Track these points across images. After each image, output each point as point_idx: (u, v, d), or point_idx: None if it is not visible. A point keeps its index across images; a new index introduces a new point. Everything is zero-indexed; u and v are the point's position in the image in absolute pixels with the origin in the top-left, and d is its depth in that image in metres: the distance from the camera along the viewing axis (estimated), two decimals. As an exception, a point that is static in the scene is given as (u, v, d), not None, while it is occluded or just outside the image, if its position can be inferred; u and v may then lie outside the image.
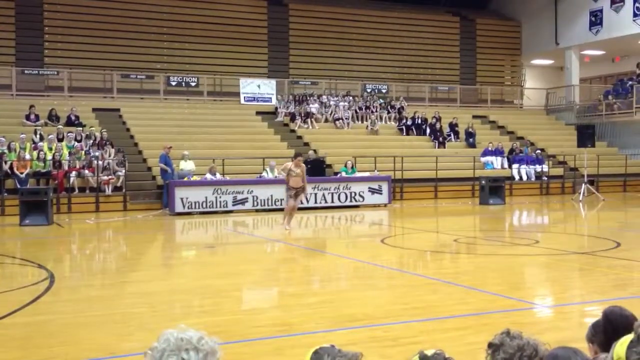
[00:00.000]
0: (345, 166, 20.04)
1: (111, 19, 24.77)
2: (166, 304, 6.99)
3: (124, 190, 18.60)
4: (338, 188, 19.01)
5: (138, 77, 24.99)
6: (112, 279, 8.95)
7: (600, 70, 32.15)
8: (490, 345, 2.22)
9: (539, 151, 24.96)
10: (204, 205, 17.48)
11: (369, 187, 19.33)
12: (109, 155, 19.26)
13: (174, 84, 25.35)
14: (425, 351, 2.11)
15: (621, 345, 2.02)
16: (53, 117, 21.26)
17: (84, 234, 14.42)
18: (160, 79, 25.01)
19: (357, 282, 8.29)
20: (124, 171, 18.73)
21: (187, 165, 18.82)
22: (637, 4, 26.08)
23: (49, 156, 18.49)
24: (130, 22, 25.07)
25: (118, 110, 23.17)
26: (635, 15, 26.17)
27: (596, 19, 27.88)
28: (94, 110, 22.80)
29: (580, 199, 20.44)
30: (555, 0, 29.59)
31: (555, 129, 28.76)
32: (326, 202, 18.78)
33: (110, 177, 18.45)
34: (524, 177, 23.74)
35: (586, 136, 21.32)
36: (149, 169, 19.99)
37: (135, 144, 21.33)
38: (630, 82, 27.41)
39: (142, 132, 21.86)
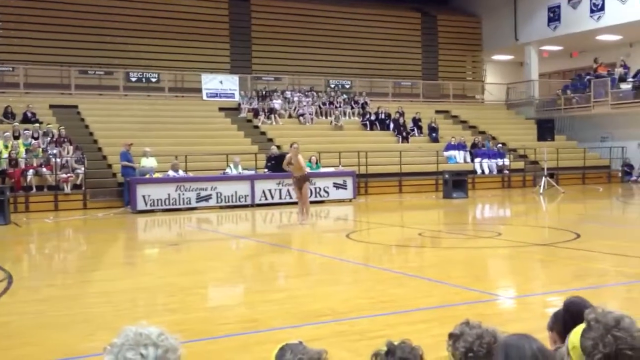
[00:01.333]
0: (310, 161, 19.99)
1: (68, 14, 24.29)
2: (129, 302, 6.88)
3: (83, 188, 18.28)
4: (302, 184, 18.94)
5: (96, 72, 24.56)
6: (73, 278, 8.78)
7: (558, 65, 32.75)
8: (450, 335, 2.31)
9: (500, 145, 25.33)
10: (167, 202, 17.28)
11: (334, 183, 19.35)
12: (68, 153, 18.90)
13: (133, 79, 24.97)
14: (393, 341, 2.16)
15: (575, 334, 2.08)
16: (8, 114, 20.78)
17: (43, 234, 14.12)
18: (119, 75, 24.62)
19: (322, 277, 8.29)
20: (83, 169, 18.41)
21: (148, 162, 18.56)
22: (593, 0, 26.62)
23: (5, 154, 18.06)
24: (87, 16, 24.58)
25: (76, 107, 22.73)
26: (592, 11, 26.71)
27: (554, 14, 28.37)
28: (51, 107, 22.33)
29: (541, 191, 20.80)
30: (514, -3, 30.03)
31: (515, 123, 29.21)
32: (291, 197, 18.71)
33: (69, 175, 18.11)
34: (486, 171, 24.06)
35: (546, 130, 21.72)
36: (109, 166, 19.68)
37: (95, 141, 20.97)
38: (587, 77, 27.98)
39: (101, 128, 21.50)
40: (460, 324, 2.33)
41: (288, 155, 13.95)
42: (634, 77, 26.09)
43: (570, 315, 2.72)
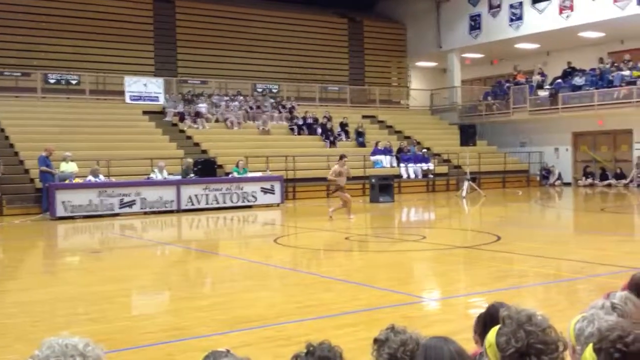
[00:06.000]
0: (237, 166, 19.86)
1: (-17, 12, 23.23)
2: (48, 313, 6.61)
3: (-1, 194, 17.49)
4: (230, 189, 18.80)
5: (13, 74, 23.56)
6: (-14, 289, 8.37)
7: (480, 72, 33.76)
8: (375, 341, 2.34)
9: (425, 150, 25.86)
10: (88, 208, 16.75)
11: (261, 187, 19.26)
12: (-17, 157, 18.05)
13: (52, 81, 24.11)
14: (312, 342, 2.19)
15: (492, 332, 2.18)
16: None
17: (-46, 242, 13.42)
18: (37, 76, 23.70)
19: (250, 283, 8.21)
20: (-1, 174, 17.62)
21: (68, 167, 17.94)
22: (512, 10, 27.61)
23: None
24: (3, 15, 23.58)
25: (-9, 109, 21.76)
26: (511, 20, 27.69)
27: (475, 23, 29.25)
28: (-35, 109, 21.30)
29: (464, 195, 21.34)
30: (437, 5, 30.77)
31: (439, 129, 29.90)
32: (218, 203, 18.54)
33: (-16, 180, 17.30)
34: (412, 175, 24.50)
35: (468, 135, 22.31)
36: (27, 171, 18.91)
37: (11, 145, 20.11)
38: (507, 84, 28.98)
39: (18, 132, 20.63)
40: (386, 329, 2.35)
41: (338, 168, 15.43)
42: (550, 84, 27.20)
43: (490, 318, 2.82)
